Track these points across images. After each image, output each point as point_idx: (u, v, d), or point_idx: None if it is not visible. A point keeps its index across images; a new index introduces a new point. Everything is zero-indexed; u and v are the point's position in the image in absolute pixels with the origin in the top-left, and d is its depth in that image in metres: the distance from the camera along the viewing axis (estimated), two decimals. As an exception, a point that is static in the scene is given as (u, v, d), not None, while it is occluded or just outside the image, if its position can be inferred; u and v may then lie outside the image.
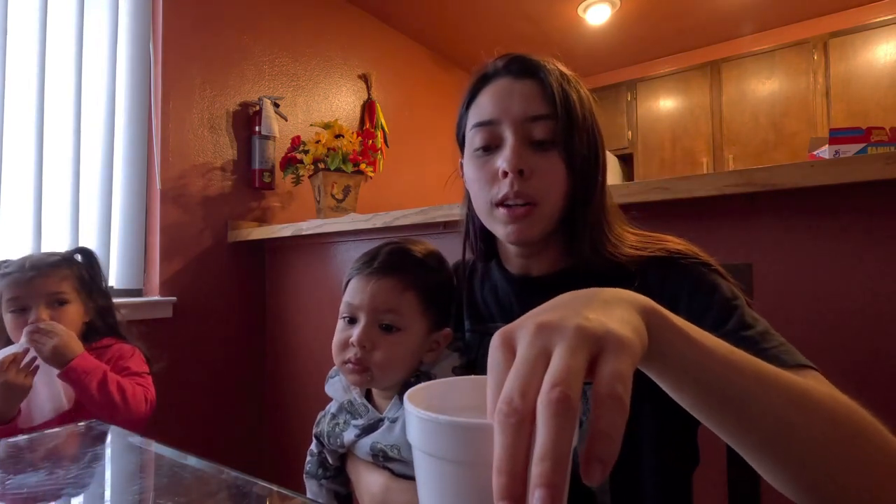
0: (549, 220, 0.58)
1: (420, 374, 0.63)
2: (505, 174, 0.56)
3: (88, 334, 1.14)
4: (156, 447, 0.68)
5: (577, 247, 0.60)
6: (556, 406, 0.23)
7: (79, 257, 1.19)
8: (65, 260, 1.14)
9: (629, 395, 0.25)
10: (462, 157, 0.67)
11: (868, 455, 0.36)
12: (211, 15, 1.91)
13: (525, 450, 0.24)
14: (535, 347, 0.27)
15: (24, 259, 1.10)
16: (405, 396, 0.31)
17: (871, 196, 0.81)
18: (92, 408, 0.99)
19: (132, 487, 0.55)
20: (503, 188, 0.57)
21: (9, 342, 1.05)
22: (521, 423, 0.24)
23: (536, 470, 0.22)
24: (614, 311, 0.30)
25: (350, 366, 0.60)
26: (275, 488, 0.53)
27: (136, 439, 0.72)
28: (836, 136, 1.13)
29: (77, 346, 1.02)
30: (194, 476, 0.57)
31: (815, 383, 0.39)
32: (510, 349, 0.29)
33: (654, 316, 0.32)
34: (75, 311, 1.10)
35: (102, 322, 1.19)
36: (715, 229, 0.95)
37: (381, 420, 0.62)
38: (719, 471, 0.61)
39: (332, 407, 0.69)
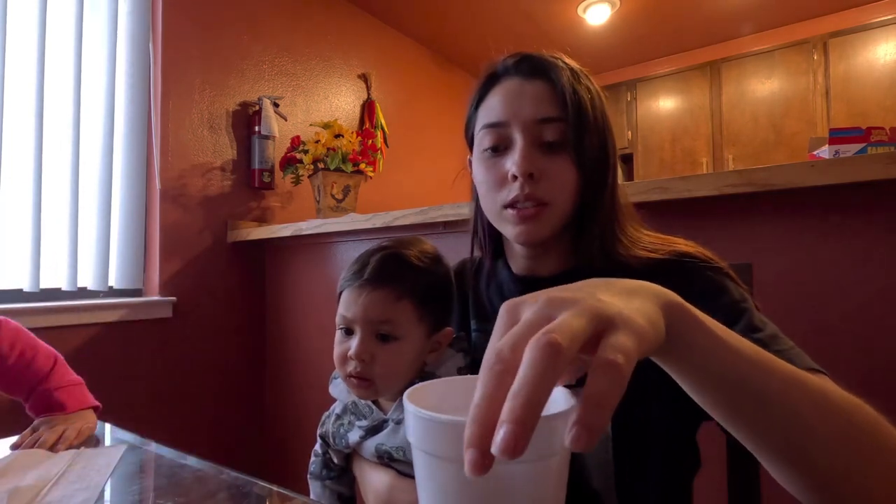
0: (559, 221, 0.58)
1: (425, 376, 0.62)
2: (515, 177, 0.56)
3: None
4: (156, 447, 0.68)
5: (584, 247, 0.59)
6: (544, 350, 0.22)
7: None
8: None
9: (630, 369, 0.24)
10: (470, 154, 0.66)
11: (882, 456, 0.36)
12: (211, 15, 1.91)
13: (503, 402, 0.22)
14: (538, 314, 0.26)
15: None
16: (404, 395, 0.31)
17: (871, 196, 0.81)
18: None
19: (132, 487, 0.55)
20: (513, 191, 0.56)
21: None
22: (505, 372, 0.23)
23: (508, 405, 0.21)
24: (633, 300, 0.30)
25: (354, 380, 0.59)
26: (275, 488, 0.53)
27: (136, 439, 0.72)
28: (836, 136, 1.13)
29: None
30: (194, 476, 0.57)
31: (830, 386, 0.38)
32: (515, 318, 0.28)
33: (676, 310, 0.32)
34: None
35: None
36: (715, 229, 0.95)
37: (386, 421, 0.62)
38: (719, 473, 0.61)
39: (336, 408, 0.69)
